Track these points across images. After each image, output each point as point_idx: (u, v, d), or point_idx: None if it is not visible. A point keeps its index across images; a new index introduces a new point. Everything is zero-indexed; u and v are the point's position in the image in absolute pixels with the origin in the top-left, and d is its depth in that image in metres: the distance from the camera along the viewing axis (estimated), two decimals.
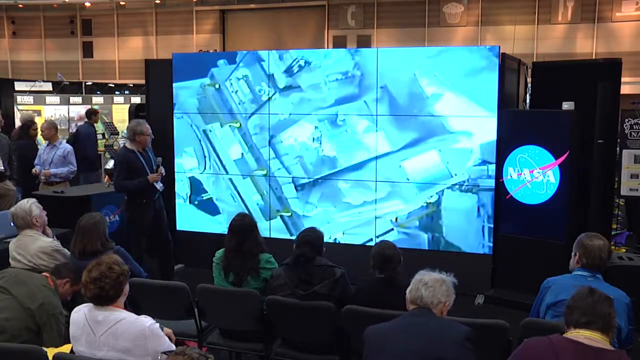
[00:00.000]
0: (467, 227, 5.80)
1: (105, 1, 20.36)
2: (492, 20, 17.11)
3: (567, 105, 5.43)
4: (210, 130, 6.54)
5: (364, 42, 18.10)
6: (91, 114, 9.82)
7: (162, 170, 5.81)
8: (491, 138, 5.64)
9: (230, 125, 6.43)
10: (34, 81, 13.51)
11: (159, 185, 5.79)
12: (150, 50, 20.46)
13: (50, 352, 3.00)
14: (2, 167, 6.82)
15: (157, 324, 2.94)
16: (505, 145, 5.65)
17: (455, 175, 5.76)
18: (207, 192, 6.64)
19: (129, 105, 10.19)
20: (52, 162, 7.24)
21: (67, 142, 8.06)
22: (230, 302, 3.89)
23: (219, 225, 6.52)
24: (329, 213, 6.19)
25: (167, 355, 2.50)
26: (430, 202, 5.86)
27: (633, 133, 6.51)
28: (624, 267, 4.90)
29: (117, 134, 11.53)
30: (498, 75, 5.59)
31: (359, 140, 6.04)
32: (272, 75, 6.25)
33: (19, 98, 11.96)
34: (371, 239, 6.03)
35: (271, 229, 6.39)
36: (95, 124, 9.95)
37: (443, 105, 5.73)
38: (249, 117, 6.37)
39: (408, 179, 5.92)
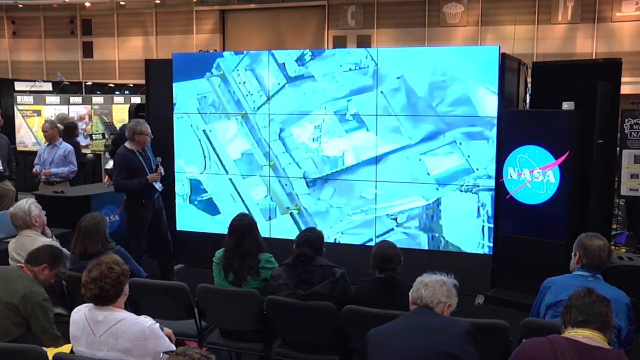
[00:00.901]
0: (467, 227, 5.80)
1: (105, 1, 20.37)
2: (492, 20, 17.12)
3: (567, 105, 5.43)
4: (211, 130, 6.53)
5: (364, 42, 18.11)
6: (69, 131, 8.09)
7: (161, 170, 5.80)
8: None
9: (237, 118, 6.37)
10: (34, 81, 13.53)
11: (158, 185, 5.79)
12: (150, 50, 20.47)
13: (50, 352, 3.00)
14: (2, 168, 6.82)
15: (157, 324, 2.94)
16: (505, 145, 5.65)
17: (477, 170, 5.72)
18: (206, 192, 6.63)
19: (129, 105, 10.18)
20: (52, 162, 7.24)
21: None
22: (230, 302, 3.89)
23: (219, 225, 6.52)
24: (342, 210, 6.16)
25: (168, 355, 2.50)
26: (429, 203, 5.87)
27: (633, 133, 6.51)
28: (624, 267, 4.89)
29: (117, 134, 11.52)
30: (498, 75, 5.59)
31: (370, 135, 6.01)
32: (283, 64, 6.19)
33: (19, 98, 11.97)
34: (371, 239, 6.04)
35: (271, 229, 6.39)
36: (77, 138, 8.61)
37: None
38: (257, 109, 6.32)
39: (429, 174, 5.87)
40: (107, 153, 9.88)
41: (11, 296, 3.42)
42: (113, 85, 16.47)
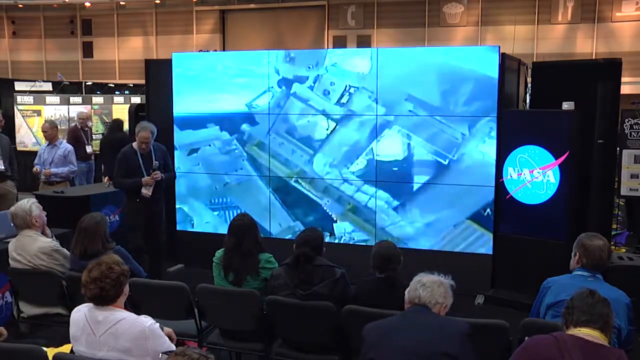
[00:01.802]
0: (467, 227, 5.80)
1: (105, 1, 20.37)
2: (492, 20, 17.12)
3: (567, 105, 5.43)
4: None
5: (364, 42, 18.11)
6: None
7: (156, 175, 5.63)
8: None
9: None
10: (34, 81, 13.53)
11: (144, 192, 5.58)
12: (150, 50, 20.47)
13: (50, 352, 3.00)
14: (3, 167, 6.82)
15: (157, 324, 2.94)
16: (505, 145, 5.65)
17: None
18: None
19: (129, 105, 10.17)
20: (52, 162, 7.24)
21: None
22: (230, 302, 3.89)
23: (219, 225, 6.53)
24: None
25: (167, 355, 2.50)
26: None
27: (633, 133, 6.51)
28: (624, 267, 4.89)
29: None
30: (498, 75, 5.59)
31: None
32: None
33: (19, 98, 11.97)
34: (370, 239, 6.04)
35: (271, 228, 6.39)
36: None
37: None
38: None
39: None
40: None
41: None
42: (113, 85, 16.46)
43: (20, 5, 20.92)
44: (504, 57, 5.72)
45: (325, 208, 6.21)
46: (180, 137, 6.66)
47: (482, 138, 5.68)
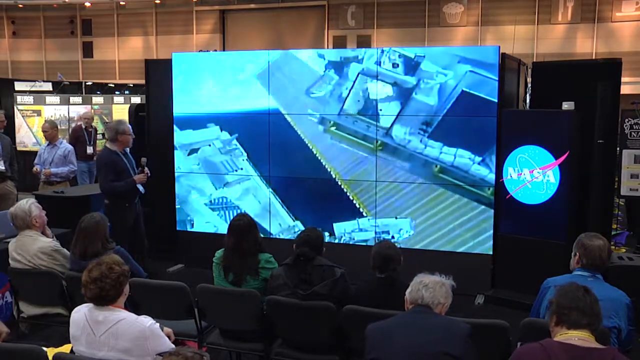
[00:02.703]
0: (467, 227, 5.80)
1: (105, 1, 20.37)
2: (492, 20, 17.12)
3: (567, 105, 5.43)
4: None
5: (364, 42, 18.11)
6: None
7: (147, 170, 5.70)
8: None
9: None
10: (34, 81, 13.53)
11: (141, 188, 5.67)
12: (150, 50, 20.47)
13: (50, 352, 3.00)
14: (3, 168, 6.81)
15: (157, 324, 2.94)
16: (505, 145, 5.65)
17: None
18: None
19: (129, 105, 10.19)
20: (52, 162, 7.24)
21: None
22: (230, 302, 3.89)
23: (219, 225, 6.53)
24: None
25: (161, 356, 2.50)
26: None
27: (633, 133, 6.51)
28: (624, 267, 4.89)
29: None
30: (498, 75, 5.59)
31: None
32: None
33: (19, 98, 11.97)
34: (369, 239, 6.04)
35: (271, 228, 6.39)
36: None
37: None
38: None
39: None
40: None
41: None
42: (113, 85, 16.47)
43: (20, 5, 20.92)
44: (504, 57, 5.72)
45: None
46: (180, 137, 6.66)
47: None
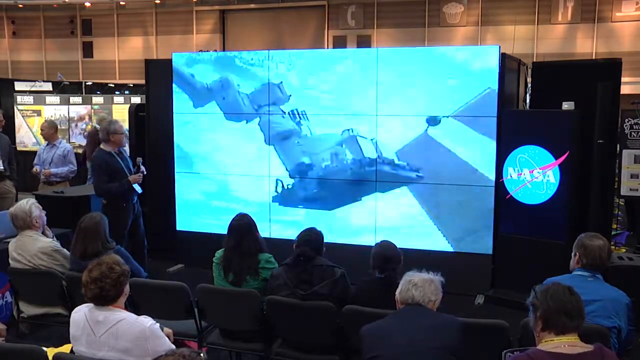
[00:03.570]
0: (467, 227, 5.80)
1: (105, 1, 20.38)
2: (492, 20, 17.12)
3: (567, 105, 5.43)
4: None
5: (364, 42, 18.12)
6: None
7: (143, 170, 5.67)
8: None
9: None
10: (34, 81, 13.54)
11: (138, 188, 5.63)
12: (150, 50, 20.48)
13: (50, 352, 3.00)
14: (2, 167, 6.81)
15: (157, 324, 2.94)
16: (505, 145, 5.65)
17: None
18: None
19: (129, 105, 10.19)
20: (52, 162, 7.23)
21: None
22: (230, 302, 3.89)
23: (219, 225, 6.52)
24: None
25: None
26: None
27: (633, 133, 6.50)
28: (624, 267, 4.89)
29: None
30: (498, 75, 5.58)
31: None
32: None
33: (19, 98, 11.98)
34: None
35: (271, 228, 6.38)
36: None
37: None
38: None
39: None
40: None
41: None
42: (113, 85, 16.48)
43: (20, 5, 20.92)
44: (504, 57, 5.71)
45: None
46: (180, 137, 6.65)
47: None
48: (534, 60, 11.71)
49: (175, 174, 6.71)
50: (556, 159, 5.37)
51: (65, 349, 3.16)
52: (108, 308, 2.92)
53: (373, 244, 3.96)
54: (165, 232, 6.69)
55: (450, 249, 5.85)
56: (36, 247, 4.31)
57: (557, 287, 2.48)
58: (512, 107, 6.21)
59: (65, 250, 4.37)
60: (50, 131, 7.37)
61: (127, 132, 5.74)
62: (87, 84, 15.53)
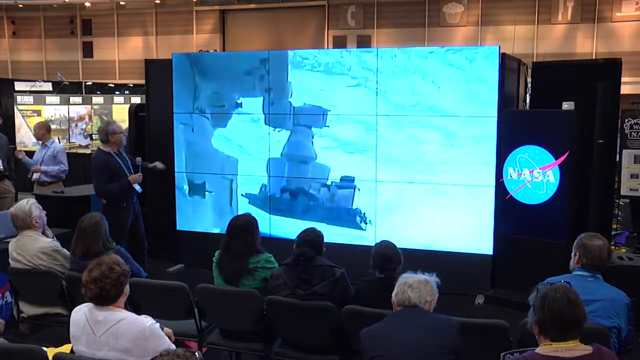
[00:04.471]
0: (467, 227, 5.80)
1: (105, 1, 20.38)
2: (492, 20, 17.12)
3: (567, 105, 5.43)
4: None
5: (364, 42, 18.11)
6: None
7: (139, 161, 5.70)
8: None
9: None
10: (34, 81, 13.54)
11: (138, 188, 5.65)
12: (150, 50, 20.48)
13: (50, 352, 3.00)
14: (1, 167, 6.80)
15: (158, 324, 2.94)
16: (505, 145, 5.65)
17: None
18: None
19: (129, 105, 10.20)
20: (42, 162, 7.20)
21: None
22: (230, 302, 3.89)
23: (219, 225, 6.52)
24: None
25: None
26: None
27: (633, 133, 6.51)
28: (624, 267, 4.89)
29: None
30: (498, 75, 5.58)
31: None
32: None
33: (19, 98, 11.99)
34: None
35: (271, 229, 6.38)
36: None
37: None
38: None
39: None
40: None
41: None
42: (113, 85, 16.50)
43: (20, 5, 20.92)
44: (504, 57, 5.71)
45: None
46: (180, 137, 6.65)
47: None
48: (534, 60, 11.73)
49: (175, 174, 6.71)
50: (556, 159, 5.37)
51: (65, 349, 3.16)
52: (108, 308, 2.92)
53: (373, 244, 3.96)
54: (165, 232, 6.68)
55: (450, 249, 5.85)
56: (36, 247, 4.31)
57: (556, 293, 2.41)
58: (512, 107, 6.21)
59: (65, 250, 4.37)
60: (42, 131, 7.36)
61: (125, 132, 5.72)
62: (87, 84, 15.54)
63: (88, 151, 11.05)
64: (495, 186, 5.70)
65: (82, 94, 13.69)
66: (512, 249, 5.67)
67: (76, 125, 12.43)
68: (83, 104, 12.38)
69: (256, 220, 4.16)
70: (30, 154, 7.58)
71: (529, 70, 6.70)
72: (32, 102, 11.92)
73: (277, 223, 6.38)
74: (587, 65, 6.74)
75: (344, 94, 6.03)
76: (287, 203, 6.35)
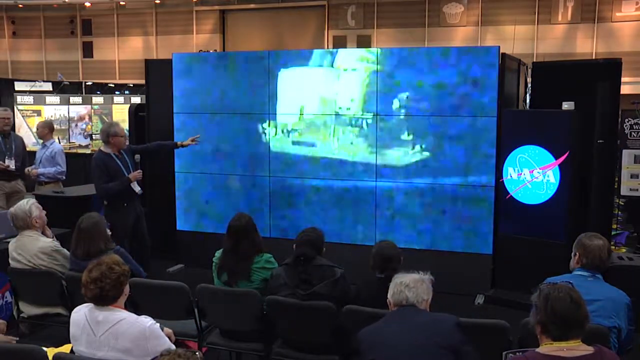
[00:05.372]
0: (467, 227, 5.80)
1: (105, 1, 20.37)
2: (492, 20, 17.11)
3: (567, 105, 5.43)
4: None
5: (364, 42, 18.11)
6: None
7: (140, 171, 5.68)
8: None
9: None
10: (34, 81, 13.53)
11: (137, 188, 5.64)
12: (150, 50, 20.47)
13: (50, 352, 3.00)
14: (14, 167, 6.80)
15: (157, 324, 2.94)
16: (505, 145, 5.65)
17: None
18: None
19: (129, 105, 10.19)
20: (40, 162, 7.18)
21: None
22: (230, 302, 3.89)
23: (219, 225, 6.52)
24: None
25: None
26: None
27: (633, 133, 6.50)
28: (624, 267, 4.88)
29: None
30: (498, 75, 5.58)
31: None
32: None
33: (19, 98, 11.98)
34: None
35: (271, 228, 6.38)
36: None
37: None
38: None
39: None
40: None
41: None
42: (113, 85, 16.49)
43: (20, 5, 20.91)
44: (504, 57, 5.72)
45: None
46: (180, 137, 6.65)
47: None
48: (534, 60, 11.71)
49: (176, 174, 6.71)
50: (556, 159, 5.37)
51: (65, 349, 3.16)
52: (108, 308, 2.92)
53: (373, 244, 3.96)
54: (165, 232, 6.69)
55: (451, 249, 5.85)
56: (36, 247, 4.31)
57: (559, 293, 2.41)
58: (512, 107, 6.22)
59: (65, 250, 4.37)
60: (45, 130, 7.34)
61: (127, 135, 5.72)
62: (87, 84, 15.53)
63: (88, 151, 11.05)
64: (495, 186, 5.70)
65: (82, 94, 13.69)
66: (512, 249, 5.67)
67: (76, 125, 12.43)
68: (83, 104, 12.38)
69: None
70: (31, 154, 7.58)
71: (529, 70, 6.70)
72: (32, 102, 11.91)
73: (277, 223, 6.39)
74: (587, 65, 6.74)
75: (344, 94, 6.03)
76: (286, 203, 6.35)
